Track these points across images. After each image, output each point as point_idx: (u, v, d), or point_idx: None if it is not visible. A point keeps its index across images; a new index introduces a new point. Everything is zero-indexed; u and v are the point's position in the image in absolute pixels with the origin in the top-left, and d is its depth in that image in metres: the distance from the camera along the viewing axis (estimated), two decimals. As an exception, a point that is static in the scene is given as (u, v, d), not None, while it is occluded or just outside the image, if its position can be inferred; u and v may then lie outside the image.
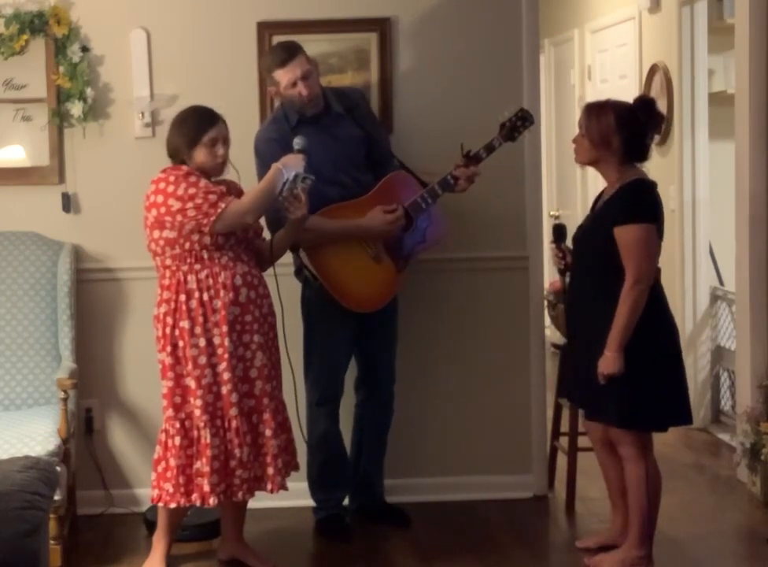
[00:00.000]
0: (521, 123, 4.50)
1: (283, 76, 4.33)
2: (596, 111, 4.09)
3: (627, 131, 4.02)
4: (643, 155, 4.11)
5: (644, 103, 4.14)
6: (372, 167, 4.55)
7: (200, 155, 4.06)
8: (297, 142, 4.14)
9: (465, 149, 4.45)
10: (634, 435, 4.08)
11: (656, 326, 4.05)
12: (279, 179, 4.04)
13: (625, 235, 3.98)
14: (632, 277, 3.97)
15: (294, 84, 4.32)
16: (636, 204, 4.02)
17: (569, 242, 4.38)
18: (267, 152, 4.32)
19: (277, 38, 4.69)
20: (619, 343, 3.97)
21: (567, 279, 4.43)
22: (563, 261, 4.38)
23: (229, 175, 4.17)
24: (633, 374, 3.99)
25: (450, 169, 4.45)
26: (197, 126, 4.06)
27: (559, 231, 4.41)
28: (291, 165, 4.07)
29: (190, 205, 3.97)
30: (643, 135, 4.07)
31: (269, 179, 4.07)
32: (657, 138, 6.17)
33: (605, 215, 4.08)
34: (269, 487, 4.13)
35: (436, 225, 4.55)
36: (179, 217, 3.99)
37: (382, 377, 4.68)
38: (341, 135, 4.46)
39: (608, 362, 4.00)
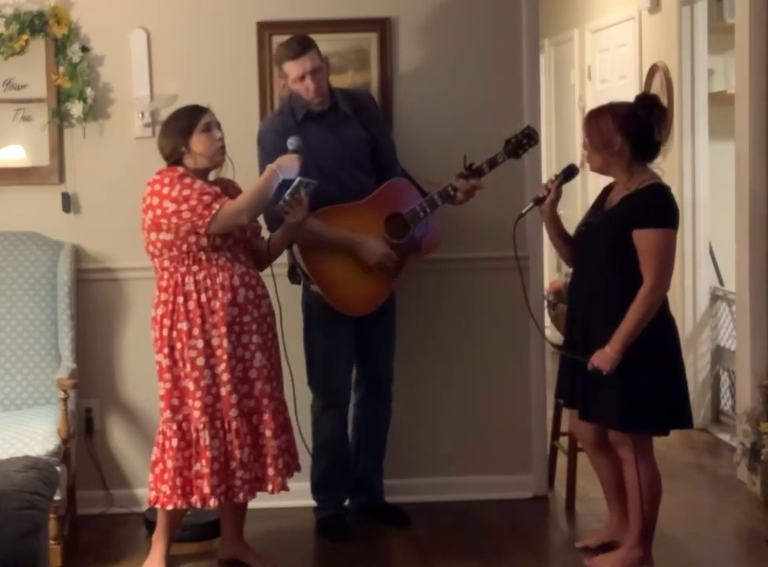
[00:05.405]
0: (526, 141, 4.49)
1: (293, 69, 4.33)
2: (594, 115, 4.06)
3: (628, 129, 3.96)
4: (652, 153, 4.04)
5: (643, 99, 4.09)
6: (375, 171, 4.54)
7: (199, 142, 4.04)
8: (291, 142, 4.14)
9: (468, 161, 4.43)
10: (634, 438, 4.05)
11: (660, 329, 4.01)
12: (274, 181, 4.05)
13: (648, 239, 3.91)
14: (651, 282, 3.91)
15: (303, 78, 4.33)
16: (660, 208, 3.96)
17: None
18: (271, 144, 4.33)
19: (277, 39, 4.70)
20: (623, 344, 3.93)
21: (533, 206, 4.27)
22: (544, 194, 4.24)
23: (226, 169, 4.16)
24: (636, 376, 3.96)
25: (451, 180, 4.43)
26: (189, 116, 4.07)
27: (569, 171, 4.30)
28: (286, 166, 4.07)
29: (184, 206, 3.97)
30: (647, 132, 3.99)
31: (264, 180, 4.07)
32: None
33: (620, 215, 4.00)
34: (270, 487, 4.13)
35: (431, 235, 4.55)
36: (174, 219, 3.98)
37: (379, 377, 4.68)
38: (345, 134, 4.46)
39: (606, 358, 3.95)
